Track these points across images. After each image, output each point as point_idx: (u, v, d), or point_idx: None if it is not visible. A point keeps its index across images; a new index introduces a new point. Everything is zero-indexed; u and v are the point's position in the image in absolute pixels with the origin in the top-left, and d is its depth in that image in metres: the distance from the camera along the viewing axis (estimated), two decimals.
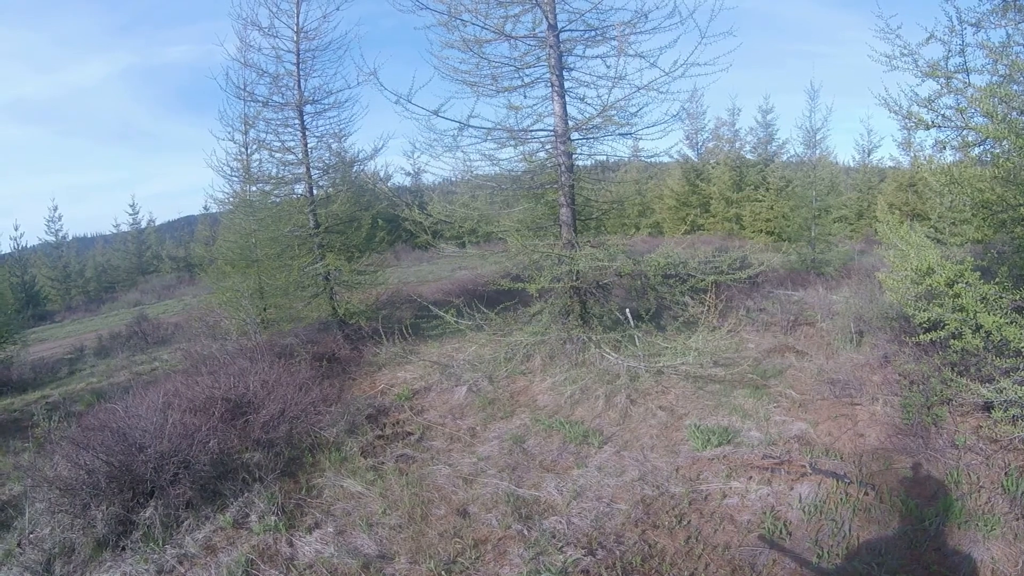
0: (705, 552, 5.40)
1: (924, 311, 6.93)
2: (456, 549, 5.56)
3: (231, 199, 14.75)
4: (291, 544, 5.77)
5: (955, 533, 5.36)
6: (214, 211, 35.70)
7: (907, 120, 7.69)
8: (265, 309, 13.34)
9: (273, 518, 6.09)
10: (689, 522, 5.85)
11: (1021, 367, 6.15)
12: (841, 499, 5.99)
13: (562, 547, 5.50)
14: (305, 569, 5.39)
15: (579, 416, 8.45)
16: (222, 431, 7.33)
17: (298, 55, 12.67)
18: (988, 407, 6.69)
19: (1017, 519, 5.38)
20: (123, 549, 5.75)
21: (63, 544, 5.79)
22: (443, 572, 5.22)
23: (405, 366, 10.99)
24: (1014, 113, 5.92)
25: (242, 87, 12.43)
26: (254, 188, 13.68)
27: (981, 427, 6.85)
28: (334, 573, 5.29)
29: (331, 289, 13.19)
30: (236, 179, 13.96)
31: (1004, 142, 5.94)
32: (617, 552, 5.41)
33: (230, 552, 5.66)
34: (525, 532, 5.76)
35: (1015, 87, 6.12)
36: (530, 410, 8.81)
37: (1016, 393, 5.92)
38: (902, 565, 5.04)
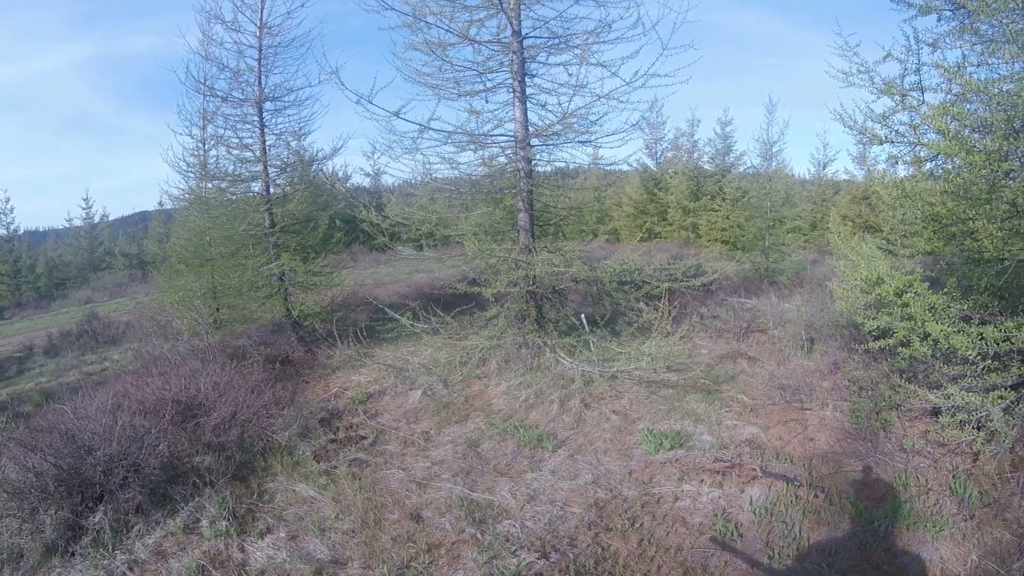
0: (658, 554, 5.45)
1: (873, 319, 7.11)
2: (409, 554, 5.53)
3: (186, 195, 14.54)
4: (243, 550, 5.68)
5: (904, 534, 5.49)
6: (169, 207, 35.02)
7: (862, 135, 7.87)
8: (218, 309, 13.14)
9: (224, 523, 5.98)
10: (642, 525, 5.90)
11: (968, 374, 6.32)
12: (791, 501, 6.10)
13: (516, 550, 5.51)
14: (258, 575, 5.31)
15: (534, 420, 8.48)
16: (172, 434, 7.18)
17: (260, 51, 12.46)
18: (936, 412, 6.86)
19: (965, 520, 5.52)
20: (72, 555, 5.60)
21: (11, 550, 5.63)
22: None
23: (359, 369, 10.89)
24: (966, 131, 6.09)
25: (202, 81, 12.22)
26: (210, 185, 13.45)
27: (929, 432, 7.02)
28: None
29: (285, 290, 12.99)
30: (192, 175, 13.77)
31: (955, 158, 6.11)
32: (570, 555, 5.43)
33: (181, 558, 5.54)
34: (479, 536, 5.76)
35: (968, 106, 6.29)
36: (485, 414, 8.80)
37: (963, 399, 6.08)
38: (852, 565, 5.15)
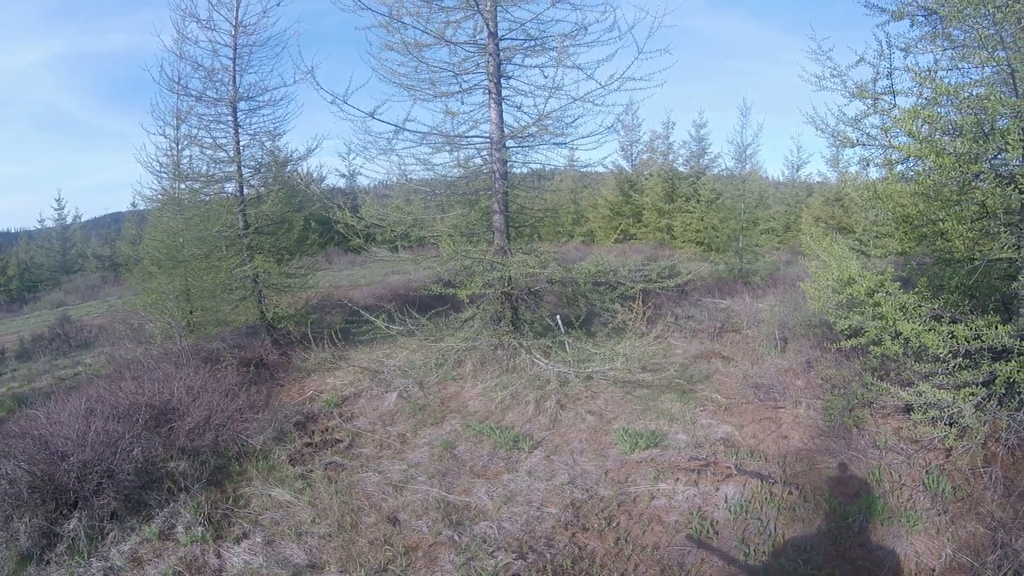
0: (634, 553, 5.49)
1: (845, 319, 7.21)
2: (387, 557, 5.52)
3: (159, 196, 14.34)
4: (219, 555, 5.63)
5: (879, 529, 5.57)
6: (142, 208, 34.46)
7: (834, 138, 7.99)
8: (191, 312, 12.98)
9: (200, 529, 5.92)
10: (618, 524, 5.94)
11: (939, 371, 6.42)
12: (766, 499, 6.17)
13: (493, 552, 5.52)
14: None
15: (510, 421, 8.49)
16: (146, 439, 7.08)
17: (235, 50, 12.33)
18: (908, 409, 6.96)
19: (939, 515, 5.62)
20: (48, 563, 5.51)
21: None
22: None
23: (335, 372, 10.83)
24: (937, 134, 6.19)
25: (176, 80, 12.06)
26: (183, 185, 13.28)
27: (901, 428, 7.13)
28: None
29: (259, 292, 12.86)
30: (165, 175, 13.58)
31: (926, 160, 6.20)
32: (547, 555, 5.45)
33: (157, 564, 5.48)
34: (456, 538, 5.76)
35: (940, 109, 6.40)
36: (461, 416, 8.79)
37: (935, 396, 6.18)
38: (827, 561, 5.22)
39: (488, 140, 10.42)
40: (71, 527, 5.76)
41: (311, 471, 7.25)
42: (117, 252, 41.17)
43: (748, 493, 6.29)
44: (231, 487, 6.87)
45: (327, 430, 8.53)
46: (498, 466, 7.28)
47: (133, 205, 42.68)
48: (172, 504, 6.34)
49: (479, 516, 6.17)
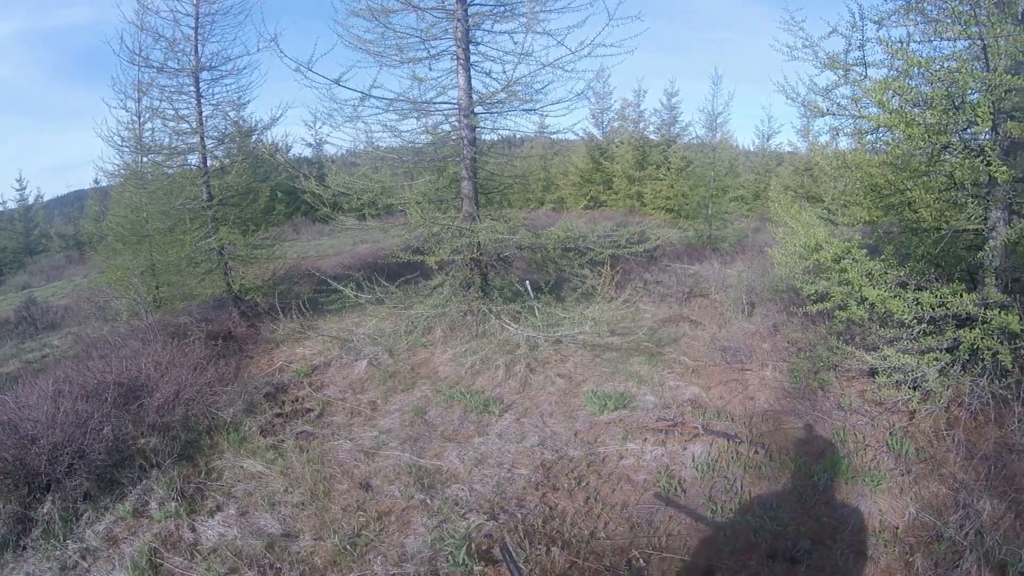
0: (604, 511, 5.57)
1: (811, 284, 7.35)
2: (360, 522, 5.55)
3: (122, 171, 14.07)
4: (193, 529, 5.60)
5: (843, 488, 5.70)
6: (105, 184, 33.69)
7: (804, 107, 8.05)
8: (157, 287, 12.84)
9: (173, 504, 5.87)
10: (588, 483, 6.02)
11: (904, 337, 6.57)
12: (733, 458, 6.28)
13: (465, 514, 5.58)
14: (209, 554, 5.24)
15: (480, 386, 8.53)
16: (116, 417, 6.99)
17: (197, 18, 12.00)
18: (873, 373, 7.10)
19: (902, 475, 5.75)
20: (24, 548, 5.43)
21: None
22: (348, 546, 5.20)
23: (304, 342, 10.76)
24: (907, 105, 6.26)
25: (137, 52, 11.75)
26: (146, 159, 13.03)
27: (866, 391, 7.29)
28: (239, 555, 5.17)
29: (226, 264, 12.69)
30: (127, 150, 13.28)
31: (896, 131, 6.28)
32: (519, 515, 5.51)
33: (132, 542, 5.43)
34: (428, 501, 5.81)
35: (911, 82, 6.46)
36: (431, 382, 8.81)
37: (899, 360, 6.33)
38: (793, 518, 5.32)
39: (456, 106, 10.33)
40: (45, 511, 5.68)
41: (282, 441, 7.22)
42: (81, 230, 40.25)
43: (715, 452, 6.40)
44: (203, 461, 6.83)
45: (297, 400, 8.50)
46: (469, 430, 7.33)
47: (96, 182, 41.78)
48: (145, 481, 6.28)
49: (451, 479, 6.22)
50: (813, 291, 7.38)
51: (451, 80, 10.37)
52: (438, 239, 9.98)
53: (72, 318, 15.78)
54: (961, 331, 6.19)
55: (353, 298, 10.08)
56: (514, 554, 4.87)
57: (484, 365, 9.03)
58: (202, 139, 12.33)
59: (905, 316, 6.23)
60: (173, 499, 5.96)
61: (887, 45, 6.61)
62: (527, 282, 10.84)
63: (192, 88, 12.24)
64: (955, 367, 6.48)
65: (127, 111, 12.92)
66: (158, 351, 8.88)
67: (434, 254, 9.35)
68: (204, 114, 12.42)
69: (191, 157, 12.76)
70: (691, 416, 7.26)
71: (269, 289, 13.00)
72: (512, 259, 11.34)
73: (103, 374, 7.99)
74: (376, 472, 6.43)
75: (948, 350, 6.50)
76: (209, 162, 12.71)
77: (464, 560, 4.85)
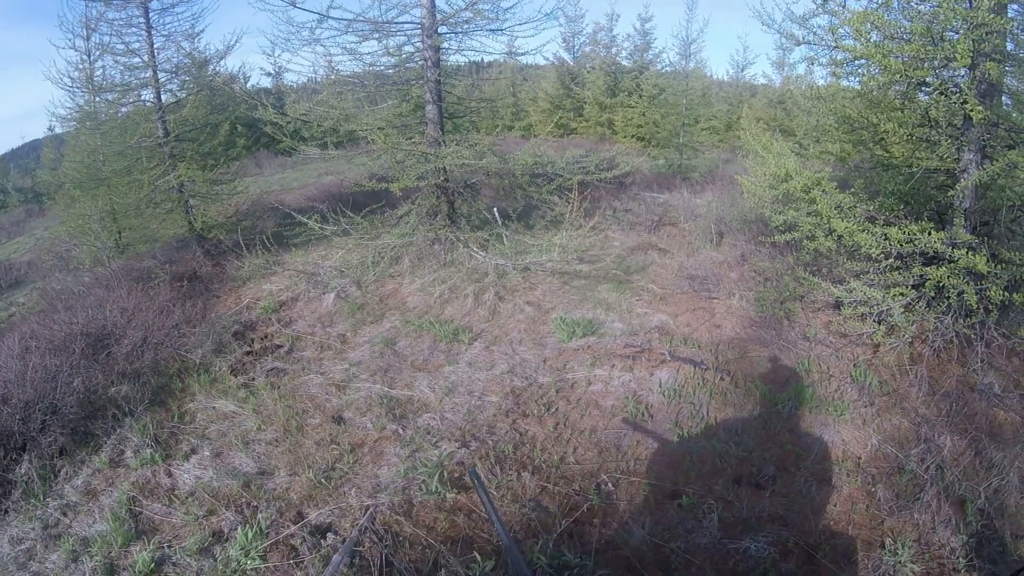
0: (573, 436, 5.68)
1: (780, 214, 7.36)
2: (334, 456, 5.61)
3: (74, 114, 13.54)
4: (170, 474, 5.61)
5: (807, 416, 5.84)
6: (59, 131, 32.49)
7: (780, 35, 7.90)
8: (119, 232, 12.53)
9: (149, 451, 5.86)
10: (557, 409, 6.12)
11: (871, 271, 6.66)
12: (699, 384, 6.40)
13: (437, 442, 5.66)
14: (187, 497, 5.26)
15: (449, 315, 8.56)
16: (85, 368, 6.91)
17: None
18: (838, 305, 7.17)
19: (866, 407, 5.89)
20: (6, 512, 5.37)
21: None
22: (323, 480, 5.26)
23: (270, 278, 10.62)
24: (886, 39, 6.17)
25: None
26: (98, 99, 12.56)
27: (831, 323, 7.40)
28: (216, 497, 5.20)
29: (186, 202, 12.38)
30: (79, 91, 12.76)
31: (872, 64, 6.22)
32: (490, 442, 5.61)
33: (111, 493, 5.42)
34: (400, 431, 5.88)
35: (891, 15, 6.35)
36: (400, 312, 8.81)
37: (865, 294, 6.41)
38: (757, 444, 5.46)
39: (419, 26, 10.01)
40: (23, 471, 5.61)
41: (253, 379, 7.22)
42: (38, 182, 38.98)
43: (681, 378, 6.52)
44: (175, 405, 6.79)
45: (266, 337, 8.46)
46: (439, 359, 7.38)
47: (50, 129, 40.15)
48: (119, 430, 6.23)
49: (422, 409, 6.29)
50: (782, 221, 7.41)
51: None
52: (403, 166, 9.82)
53: (36, 273, 15.41)
54: (928, 268, 6.26)
55: (318, 231, 9.92)
56: (484, 480, 4.94)
57: (453, 294, 9.04)
58: (155, 73, 11.89)
59: (873, 250, 6.29)
60: (148, 446, 5.94)
61: None
62: (495, 209, 10.76)
63: (142, 20, 11.71)
64: (920, 303, 6.58)
65: (76, 50, 12.35)
66: (123, 297, 8.76)
67: (399, 181, 9.21)
68: (156, 46, 11.92)
69: (145, 93, 12.28)
70: (658, 343, 7.35)
71: (232, 226, 12.77)
72: (479, 186, 11.23)
73: (69, 326, 7.86)
74: (348, 405, 6.47)
75: (914, 286, 6.60)
76: (164, 97, 12.26)
77: (437, 488, 4.93)
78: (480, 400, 6.35)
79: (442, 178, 10.01)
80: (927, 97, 6.46)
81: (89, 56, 12.46)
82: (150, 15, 11.74)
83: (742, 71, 35.30)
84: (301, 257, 11.48)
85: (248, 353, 7.97)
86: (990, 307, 6.04)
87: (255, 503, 5.08)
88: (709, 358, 6.97)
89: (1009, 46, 6.32)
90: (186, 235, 12.65)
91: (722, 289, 8.70)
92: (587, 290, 9.01)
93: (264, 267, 10.76)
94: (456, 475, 5.17)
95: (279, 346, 8.13)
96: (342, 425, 6.12)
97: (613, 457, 5.39)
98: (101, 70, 12.66)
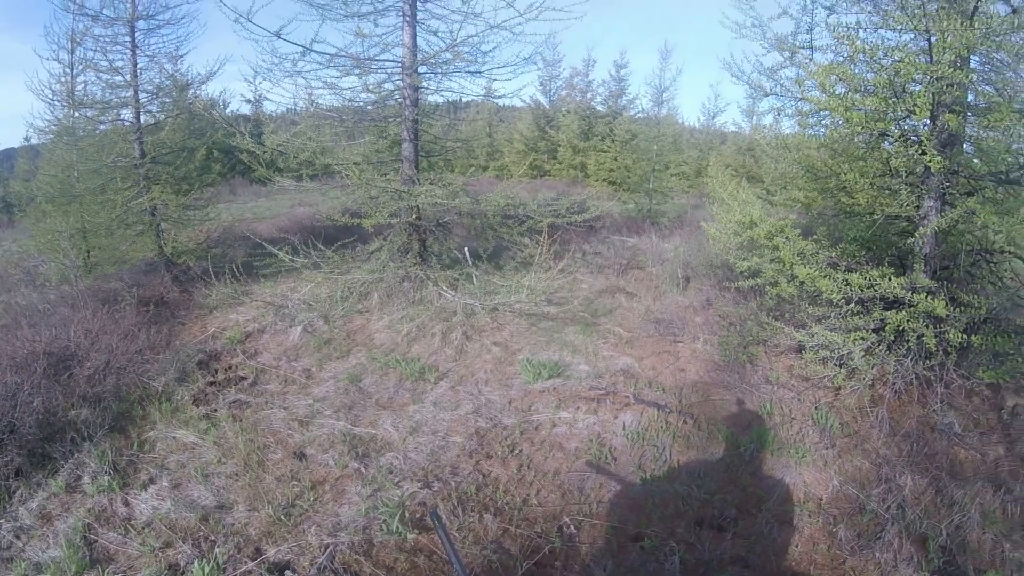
0: (536, 478, 5.70)
1: (744, 260, 7.52)
2: (294, 492, 5.55)
3: (53, 127, 13.41)
4: (127, 503, 5.52)
5: (769, 459, 5.93)
6: (35, 142, 32.01)
7: (748, 85, 8.18)
8: (88, 251, 12.37)
9: (106, 478, 5.76)
10: (521, 451, 6.15)
11: (832, 315, 6.80)
12: (662, 427, 6.47)
13: (399, 482, 5.63)
14: (144, 527, 5.17)
15: (416, 353, 8.54)
16: (46, 388, 6.76)
17: None
18: (800, 349, 7.34)
19: (827, 448, 6.01)
20: None
21: None
22: (282, 516, 5.20)
23: (237, 308, 10.55)
24: (850, 91, 6.41)
25: None
26: (77, 114, 12.46)
27: (793, 367, 7.54)
28: (173, 528, 5.12)
29: (158, 226, 12.29)
30: (59, 104, 12.64)
31: (836, 115, 6.44)
32: (453, 483, 5.60)
33: (66, 519, 5.32)
34: (362, 470, 5.84)
35: (856, 68, 6.60)
36: (367, 349, 8.79)
37: (826, 338, 6.54)
38: (720, 487, 5.54)
39: (399, 64, 10.15)
40: None
41: (215, 410, 7.14)
42: (10, 192, 38.30)
43: (645, 421, 6.59)
44: (135, 432, 6.69)
45: (230, 368, 8.39)
46: (404, 398, 7.37)
47: (27, 139, 39.34)
48: (77, 454, 6.12)
49: (385, 447, 6.26)
50: (746, 267, 7.58)
51: (396, 37, 10.17)
52: (376, 202, 9.87)
53: (1, 286, 15.16)
54: (888, 313, 6.44)
55: (289, 262, 9.89)
56: (445, 521, 4.94)
57: (420, 332, 9.04)
58: (136, 93, 11.86)
59: (834, 296, 6.44)
60: (106, 473, 5.84)
61: (835, 30, 6.73)
62: (466, 249, 10.84)
63: (127, 38, 11.71)
64: (881, 347, 6.74)
65: (59, 63, 12.26)
66: (88, 318, 8.62)
67: (371, 218, 9.25)
68: (139, 66, 11.91)
69: (124, 112, 12.22)
70: (623, 386, 7.43)
71: (202, 253, 12.67)
72: (451, 225, 11.30)
73: (32, 343, 7.71)
74: (310, 441, 6.43)
75: (874, 330, 6.76)
76: (143, 117, 12.21)
77: (398, 528, 4.92)
78: (444, 440, 6.35)
79: (415, 216, 10.08)
80: (890, 147, 6.69)
81: (72, 70, 12.36)
82: (136, 34, 11.73)
83: (713, 118, 36.05)
84: (270, 288, 11.41)
85: (211, 383, 7.88)
86: (949, 349, 6.22)
87: (213, 537, 5.01)
88: (673, 401, 7.06)
89: (970, 97, 6.59)
90: (155, 259, 12.52)
91: (687, 333, 8.83)
92: (554, 332, 9.09)
93: (232, 296, 10.67)
94: (418, 515, 5.15)
95: (243, 378, 8.06)
96: (304, 461, 6.06)
97: (576, 499, 5.42)
98: (83, 85, 12.57)
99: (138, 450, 6.35)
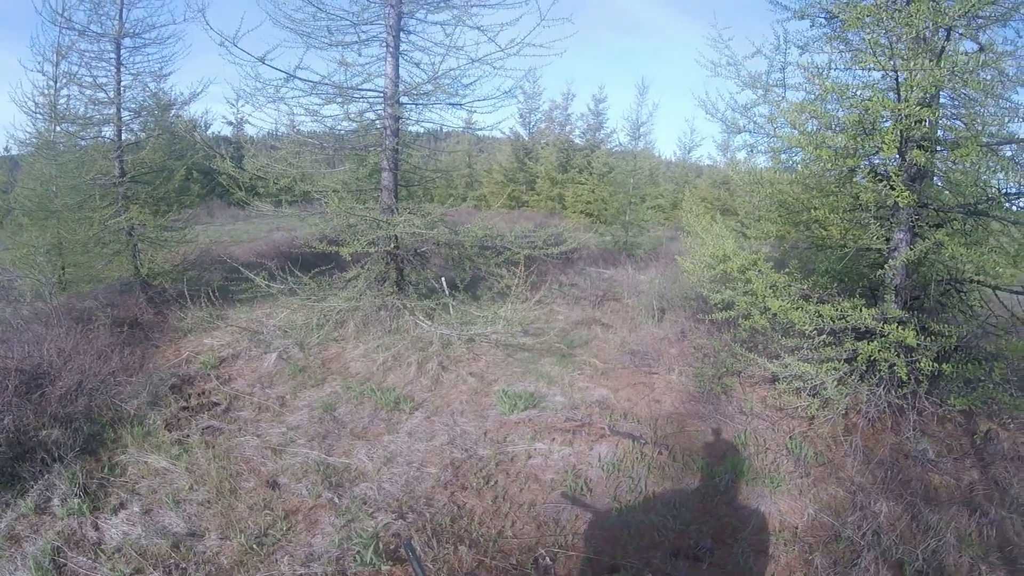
0: (512, 510, 5.69)
1: (718, 293, 7.64)
2: (267, 521, 5.49)
3: (34, 140, 13.31)
4: (97, 527, 5.42)
5: (744, 489, 5.99)
6: (15, 153, 31.48)
7: (722, 122, 8.35)
8: (63, 268, 12.23)
9: (76, 500, 5.66)
10: (496, 482, 6.13)
11: (805, 346, 6.91)
12: (638, 458, 6.51)
13: (373, 512, 5.59)
14: (114, 553, 5.08)
15: (391, 383, 8.52)
16: (17, 406, 6.65)
17: None
18: (774, 379, 7.45)
19: (801, 477, 6.09)
20: None
21: None
22: (254, 546, 5.14)
23: (212, 332, 10.46)
24: (822, 128, 6.58)
25: (60, 12, 11.09)
26: (59, 128, 12.37)
27: (767, 397, 7.67)
28: (144, 555, 5.03)
29: (134, 246, 12.23)
30: (41, 117, 12.55)
31: (807, 152, 6.61)
32: (427, 514, 5.57)
33: (35, 541, 5.20)
34: (336, 500, 5.79)
35: (829, 106, 6.78)
36: (342, 377, 8.75)
37: (799, 369, 6.65)
38: (695, 517, 5.57)
39: (381, 94, 10.28)
40: None
41: (188, 436, 7.04)
42: None
43: (621, 453, 6.62)
44: (106, 455, 6.58)
45: (204, 393, 8.30)
46: (379, 427, 7.34)
47: (7, 150, 38.76)
48: (47, 476, 6.00)
49: (359, 478, 6.22)
50: (720, 299, 7.70)
51: (378, 68, 10.33)
52: (354, 230, 9.90)
53: None
54: (860, 343, 6.56)
55: (265, 288, 9.86)
56: (419, 553, 4.91)
57: (396, 361, 9.02)
58: (118, 110, 11.86)
59: (806, 327, 6.57)
60: (76, 495, 5.74)
61: (806, 70, 6.92)
62: (443, 279, 10.87)
63: (113, 55, 11.74)
64: (853, 376, 6.87)
65: (44, 75, 12.22)
66: (61, 337, 8.48)
67: (349, 246, 9.28)
68: (123, 84, 11.95)
69: (106, 129, 12.21)
70: (599, 417, 7.47)
71: (178, 275, 12.61)
72: (429, 255, 11.35)
73: (4, 359, 7.57)
74: (284, 470, 6.36)
75: (847, 360, 6.89)
76: (124, 135, 12.21)
77: (372, 560, 4.88)
78: (419, 471, 6.32)
79: (393, 245, 10.12)
80: (861, 180, 6.86)
81: (56, 83, 12.31)
82: (121, 52, 11.80)
83: (689, 152, 36.58)
84: (245, 313, 11.34)
85: (184, 408, 7.78)
86: (921, 378, 6.36)
87: (184, 565, 4.93)
88: (648, 432, 7.11)
89: (939, 132, 6.79)
90: (131, 279, 12.43)
91: (662, 364, 8.92)
92: (530, 363, 9.13)
93: (207, 320, 10.59)
94: (392, 547, 5.11)
95: (216, 404, 7.97)
96: (277, 490, 6.00)
97: (551, 531, 5.41)
98: (65, 99, 12.51)
99: (109, 473, 6.25)
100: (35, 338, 8.33)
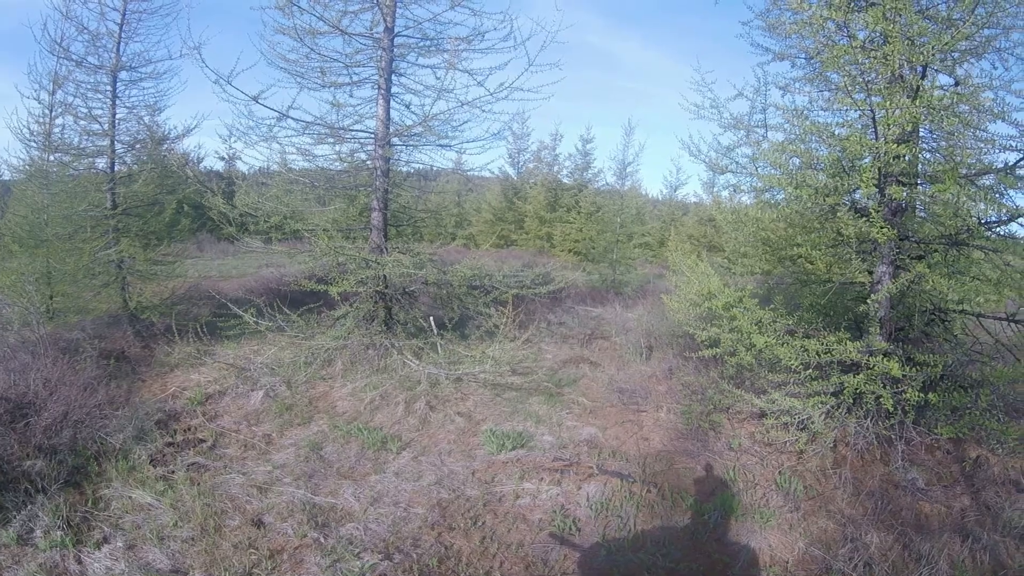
0: (500, 551, 5.65)
1: (704, 330, 7.70)
2: (251, 560, 5.42)
3: (27, 167, 13.35)
4: (79, 561, 5.35)
5: (734, 525, 5.98)
6: (8, 178, 31.40)
7: (706, 163, 8.52)
8: (52, 297, 12.19)
9: (59, 533, 5.59)
10: (484, 523, 6.09)
11: (791, 381, 7.00)
12: (626, 497, 6.49)
13: (359, 553, 5.55)
14: None
15: (379, 422, 8.49)
16: (1, 435, 6.62)
17: (124, 15, 11.68)
18: (762, 415, 7.53)
19: (791, 512, 6.10)
20: None
21: None
22: None
23: (199, 368, 10.41)
24: (802, 168, 6.74)
25: (58, 41, 11.23)
26: (52, 157, 12.42)
27: (755, 432, 7.70)
28: None
29: (123, 279, 12.24)
30: (35, 145, 12.61)
31: (788, 190, 6.74)
32: (414, 555, 5.53)
33: (16, 572, 5.15)
34: (322, 540, 5.74)
35: (811, 145, 6.95)
36: (329, 416, 8.70)
37: (787, 404, 6.73)
38: (685, 555, 5.55)
39: (372, 135, 10.40)
40: None
41: (173, 472, 6.98)
42: None
43: (609, 492, 6.60)
44: (90, 488, 6.53)
45: (190, 429, 8.23)
46: (365, 467, 7.29)
47: None
48: (30, 506, 5.93)
49: (345, 518, 6.17)
50: (706, 337, 7.77)
51: (370, 109, 10.47)
52: (343, 269, 9.95)
53: None
54: (846, 376, 6.65)
55: (253, 325, 9.86)
56: None
57: (384, 401, 9.00)
58: (112, 142, 11.96)
59: (792, 362, 6.65)
60: (59, 528, 5.68)
61: (785, 111, 7.09)
62: (431, 318, 10.89)
63: (109, 87, 11.90)
64: (840, 410, 6.95)
65: (40, 103, 12.29)
66: (48, 366, 8.39)
67: (338, 284, 9.31)
68: (117, 116, 12.10)
69: (99, 160, 12.34)
70: (587, 456, 7.46)
71: (167, 309, 12.56)
72: (418, 294, 11.38)
73: None
74: (269, 508, 6.31)
75: (834, 394, 6.96)
76: (117, 167, 12.31)
77: None
78: (406, 511, 6.28)
79: (382, 284, 10.16)
80: (841, 216, 6.99)
81: (51, 111, 12.39)
82: (117, 84, 11.98)
83: (675, 191, 37.23)
84: (233, 350, 11.31)
85: (170, 444, 7.72)
86: (907, 408, 6.41)
87: None
88: (637, 471, 7.10)
89: (920, 166, 6.94)
90: (119, 312, 12.41)
91: (650, 402, 8.96)
92: (518, 402, 9.12)
93: (194, 356, 10.56)
94: None
95: (202, 440, 7.91)
96: (262, 529, 5.95)
97: (540, 571, 5.38)
98: (60, 129, 12.58)
99: (93, 507, 6.19)
100: (21, 366, 8.26)
